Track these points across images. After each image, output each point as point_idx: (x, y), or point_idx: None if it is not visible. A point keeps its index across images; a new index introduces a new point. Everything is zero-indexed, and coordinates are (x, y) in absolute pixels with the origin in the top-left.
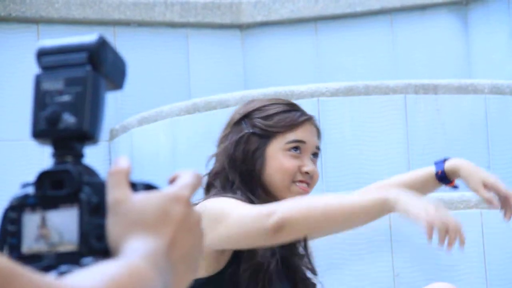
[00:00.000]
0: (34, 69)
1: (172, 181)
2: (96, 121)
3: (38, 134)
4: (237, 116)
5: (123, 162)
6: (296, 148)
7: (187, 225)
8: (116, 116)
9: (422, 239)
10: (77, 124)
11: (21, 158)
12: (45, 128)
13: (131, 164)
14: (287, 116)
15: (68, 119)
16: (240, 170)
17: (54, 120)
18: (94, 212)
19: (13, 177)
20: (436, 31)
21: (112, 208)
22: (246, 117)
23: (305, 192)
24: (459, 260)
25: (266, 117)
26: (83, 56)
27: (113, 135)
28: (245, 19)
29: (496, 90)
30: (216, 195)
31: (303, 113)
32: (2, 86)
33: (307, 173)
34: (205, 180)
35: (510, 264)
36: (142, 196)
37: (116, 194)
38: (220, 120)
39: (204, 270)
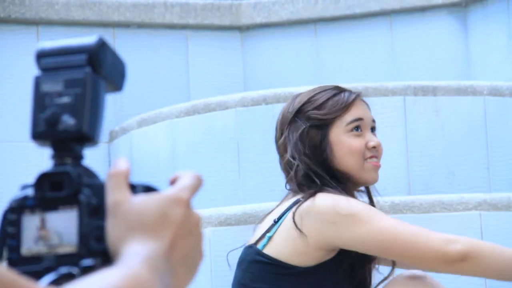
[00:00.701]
0: (34, 70)
1: (172, 182)
2: (96, 123)
3: (38, 135)
4: (289, 115)
5: (122, 164)
6: (357, 127)
7: (187, 227)
8: (115, 117)
9: None
10: (77, 125)
11: (21, 159)
12: (45, 129)
13: (131, 165)
14: (337, 99)
15: (68, 120)
16: (316, 163)
17: (53, 121)
18: (94, 214)
19: (13, 178)
20: (436, 33)
21: (111, 210)
22: (298, 113)
23: (377, 167)
24: None
25: (319, 107)
26: (82, 57)
27: (112, 136)
28: (245, 20)
29: (495, 92)
30: (325, 191)
31: (350, 92)
32: (2, 88)
33: (374, 147)
34: (294, 186)
35: None
36: (141, 198)
37: (116, 196)
38: (219, 121)
39: (302, 261)
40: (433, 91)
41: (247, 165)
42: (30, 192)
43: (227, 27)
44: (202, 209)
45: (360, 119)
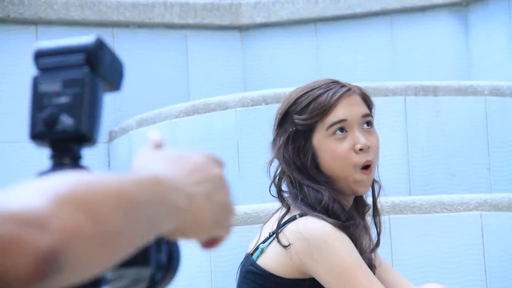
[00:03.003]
0: (33, 70)
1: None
2: (94, 123)
3: (36, 136)
4: (279, 117)
5: (154, 135)
6: (340, 129)
7: (221, 183)
8: (115, 117)
9: (422, 241)
10: (75, 125)
11: (20, 160)
12: (43, 129)
13: (129, 166)
14: (319, 102)
15: (66, 120)
16: (297, 168)
17: (52, 121)
18: None
19: (11, 179)
20: (436, 32)
21: (136, 155)
22: (286, 115)
23: (367, 174)
24: (459, 261)
25: (301, 111)
26: (80, 57)
27: (112, 136)
28: (245, 20)
29: (496, 92)
30: (308, 212)
31: (336, 90)
32: (1, 87)
33: (361, 149)
34: (273, 186)
35: (510, 266)
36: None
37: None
38: (219, 121)
39: (291, 273)
40: (433, 91)
41: (247, 165)
42: None
43: (227, 26)
44: None
45: (342, 120)
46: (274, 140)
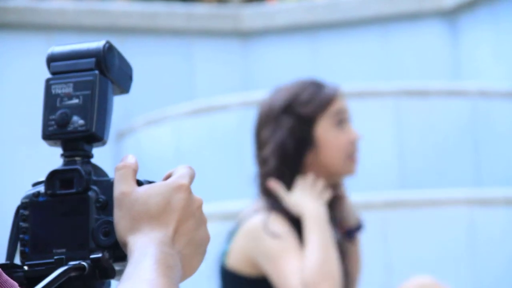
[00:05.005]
0: (46, 74)
1: (167, 177)
2: (104, 123)
3: (49, 135)
4: (277, 111)
5: (130, 158)
6: (341, 120)
7: (190, 210)
8: (123, 118)
9: (412, 237)
10: (86, 126)
11: (34, 157)
12: (55, 130)
13: (138, 162)
14: (324, 93)
15: (77, 121)
16: (294, 162)
17: (63, 122)
18: (102, 210)
19: (26, 176)
20: (427, 38)
21: (118, 201)
22: (287, 109)
23: (356, 161)
24: (448, 254)
25: (307, 102)
26: (91, 61)
27: (120, 136)
28: (246, 26)
29: (483, 93)
30: (269, 210)
31: (333, 86)
32: (16, 90)
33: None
34: (258, 182)
35: (499, 258)
36: (145, 188)
37: (122, 188)
38: (222, 121)
39: (254, 271)
40: (425, 93)
41: (249, 163)
42: (41, 189)
43: (229, 32)
44: (205, 204)
45: (344, 110)
46: (270, 134)
